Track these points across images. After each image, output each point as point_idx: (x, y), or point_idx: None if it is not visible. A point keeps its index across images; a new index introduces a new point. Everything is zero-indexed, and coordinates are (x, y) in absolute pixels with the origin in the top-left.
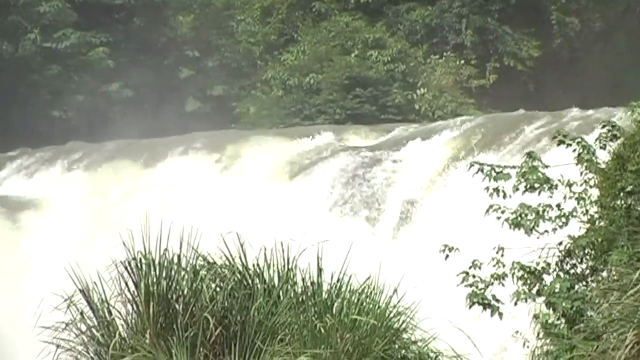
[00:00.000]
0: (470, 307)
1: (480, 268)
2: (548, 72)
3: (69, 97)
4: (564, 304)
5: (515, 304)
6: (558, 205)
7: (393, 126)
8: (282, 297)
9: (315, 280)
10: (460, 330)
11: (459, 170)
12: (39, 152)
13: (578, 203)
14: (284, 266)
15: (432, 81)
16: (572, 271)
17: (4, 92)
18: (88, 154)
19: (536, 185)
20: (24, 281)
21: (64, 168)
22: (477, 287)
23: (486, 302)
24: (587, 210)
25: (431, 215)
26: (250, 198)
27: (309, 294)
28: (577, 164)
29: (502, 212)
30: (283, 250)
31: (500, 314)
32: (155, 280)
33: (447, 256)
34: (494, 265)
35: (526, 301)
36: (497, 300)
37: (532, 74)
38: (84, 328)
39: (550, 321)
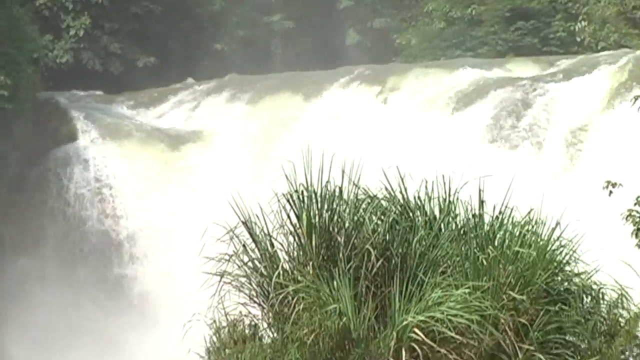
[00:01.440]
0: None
1: None
2: None
3: (230, 30)
4: None
5: None
6: None
7: (555, 58)
8: (443, 230)
9: (477, 213)
10: (625, 263)
11: (623, 104)
12: (201, 85)
13: None
14: (445, 199)
15: (595, 12)
16: None
17: (167, 26)
18: (249, 86)
19: None
20: (187, 212)
21: (226, 101)
22: None
23: None
24: None
25: (594, 148)
26: (410, 131)
27: (470, 226)
28: None
29: None
30: (444, 183)
31: None
32: (317, 212)
33: (611, 192)
34: None
35: None
36: None
37: None
38: (246, 260)
39: None
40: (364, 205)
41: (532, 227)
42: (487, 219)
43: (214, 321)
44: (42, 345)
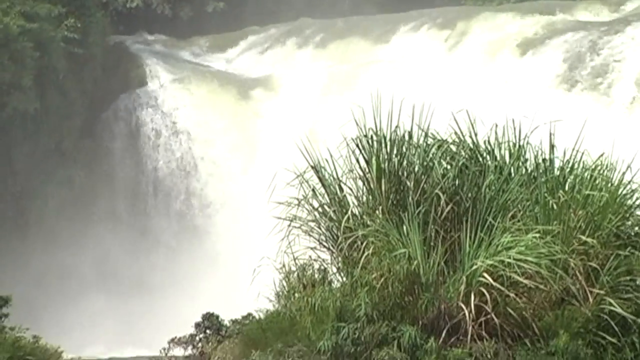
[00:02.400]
0: None
1: None
2: None
3: None
4: None
5: None
6: None
7: (625, 0)
8: (513, 174)
9: (547, 157)
10: None
11: None
12: (271, 30)
13: None
14: (515, 143)
15: None
16: None
17: None
18: (319, 31)
19: None
20: (256, 157)
21: (295, 45)
22: None
23: None
24: None
25: None
26: (480, 75)
27: (540, 170)
28: None
29: None
30: (514, 128)
31: None
32: (386, 157)
33: None
34: None
35: None
36: None
37: None
38: (315, 204)
39: None
40: (433, 150)
41: (603, 171)
42: (557, 163)
43: (283, 265)
44: (113, 291)
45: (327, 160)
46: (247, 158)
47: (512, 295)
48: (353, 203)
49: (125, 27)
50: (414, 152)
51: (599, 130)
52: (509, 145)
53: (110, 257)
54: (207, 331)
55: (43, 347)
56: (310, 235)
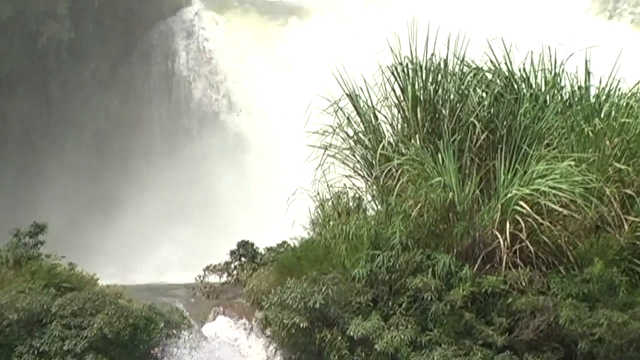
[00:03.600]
0: None
1: None
2: None
3: None
4: None
5: None
6: None
7: None
8: (548, 102)
9: (583, 85)
10: None
11: None
12: None
13: None
14: (551, 71)
15: None
16: None
17: None
18: None
19: None
20: (291, 85)
21: None
22: None
23: None
24: None
25: None
26: (516, 1)
27: (576, 98)
28: None
29: None
30: (550, 55)
31: None
32: (421, 85)
33: None
34: None
35: None
36: None
37: None
38: (350, 132)
39: None
40: (468, 78)
41: (639, 98)
42: (593, 91)
43: (318, 194)
44: (149, 226)
45: (361, 89)
46: (282, 86)
47: (546, 223)
48: (388, 131)
49: None
50: (449, 80)
51: (635, 59)
52: (544, 73)
53: (147, 186)
54: (242, 259)
55: (79, 275)
56: (344, 164)
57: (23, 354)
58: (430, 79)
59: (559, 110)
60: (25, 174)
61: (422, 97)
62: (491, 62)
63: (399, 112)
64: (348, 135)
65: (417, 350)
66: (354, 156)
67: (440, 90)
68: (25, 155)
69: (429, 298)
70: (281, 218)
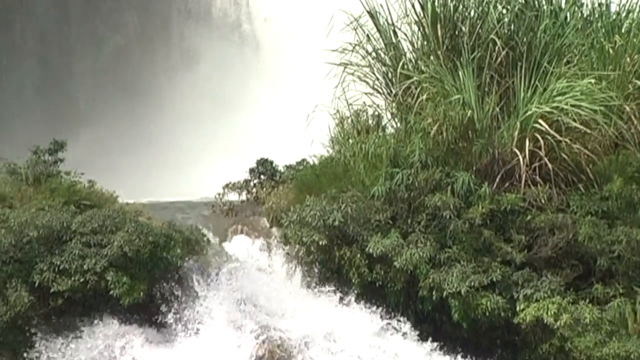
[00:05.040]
0: None
1: None
2: None
3: None
4: None
5: None
6: None
7: None
8: (569, 19)
9: (604, 1)
10: None
11: None
12: None
13: None
14: None
15: None
16: None
17: None
18: None
19: None
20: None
21: None
22: None
23: None
24: None
25: None
26: None
27: (596, 15)
28: None
29: None
30: None
31: None
32: (441, 1)
33: None
34: None
35: None
36: None
37: None
38: (370, 50)
39: None
40: None
41: None
42: (613, 7)
43: (337, 111)
44: (166, 144)
45: (382, 5)
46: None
47: (566, 140)
48: (408, 49)
49: None
50: None
51: None
52: None
53: (166, 104)
54: (262, 176)
55: (98, 192)
56: (364, 81)
57: (44, 271)
58: None
59: (579, 27)
60: (43, 92)
61: (442, 14)
62: None
63: (418, 29)
64: (367, 52)
65: (436, 268)
66: (374, 74)
67: (460, 7)
68: (45, 73)
69: (448, 216)
70: (300, 135)
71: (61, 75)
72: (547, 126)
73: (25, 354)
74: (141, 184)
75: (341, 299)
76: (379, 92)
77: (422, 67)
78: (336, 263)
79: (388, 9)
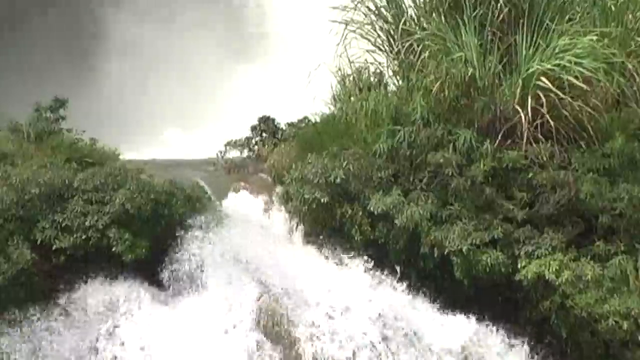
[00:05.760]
0: None
1: None
2: None
3: None
4: None
5: None
6: None
7: None
8: None
9: None
10: None
11: None
12: None
13: None
14: None
15: None
16: None
17: None
18: None
19: None
20: None
21: None
22: None
23: None
24: None
25: None
26: None
27: None
28: None
29: None
30: None
31: None
32: None
33: None
34: None
35: None
36: None
37: None
38: (372, 7)
39: None
40: None
41: None
42: None
43: (339, 69)
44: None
45: None
46: None
47: (567, 98)
48: (410, 6)
49: None
50: None
51: None
52: None
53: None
54: (263, 134)
55: (100, 150)
56: (366, 39)
57: (45, 228)
58: None
59: None
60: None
61: None
62: None
63: None
64: (370, 9)
65: (437, 225)
66: (376, 31)
67: None
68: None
69: (450, 173)
70: (303, 93)
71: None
72: (549, 83)
73: (28, 311)
74: (142, 141)
75: (342, 256)
76: (380, 49)
77: (424, 25)
78: (338, 221)
79: None
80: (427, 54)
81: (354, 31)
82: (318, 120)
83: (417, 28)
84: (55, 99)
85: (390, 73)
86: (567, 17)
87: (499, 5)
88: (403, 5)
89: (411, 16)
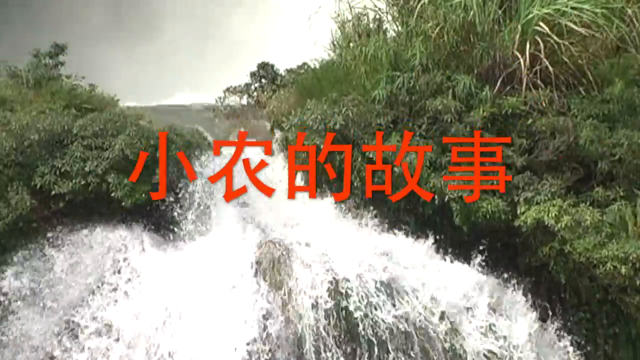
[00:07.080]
0: None
1: None
2: None
3: None
4: None
5: None
6: None
7: None
8: None
9: None
10: None
11: None
12: None
13: None
14: None
15: None
16: None
17: None
18: None
19: None
20: None
21: None
22: None
23: None
24: None
25: None
26: None
27: None
28: None
29: None
30: None
31: None
32: None
33: None
34: None
35: None
36: None
37: None
38: None
39: None
40: None
41: None
42: None
43: (338, 15)
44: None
45: None
46: None
47: (567, 43)
48: None
49: None
50: None
51: None
52: None
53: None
54: (263, 80)
55: (99, 96)
56: None
57: (45, 174)
58: None
59: None
60: None
61: None
62: None
63: None
64: None
65: (437, 172)
66: None
67: None
68: None
69: (449, 119)
70: (302, 38)
71: None
72: (548, 29)
73: (26, 256)
74: (142, 86)
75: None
76: None
77: None
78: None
79: None
80: None
81: None
82: (317, 66)
83: None
84: (54, 44)
85: (390, 19)
86: None
87: None
88: None
89: None
